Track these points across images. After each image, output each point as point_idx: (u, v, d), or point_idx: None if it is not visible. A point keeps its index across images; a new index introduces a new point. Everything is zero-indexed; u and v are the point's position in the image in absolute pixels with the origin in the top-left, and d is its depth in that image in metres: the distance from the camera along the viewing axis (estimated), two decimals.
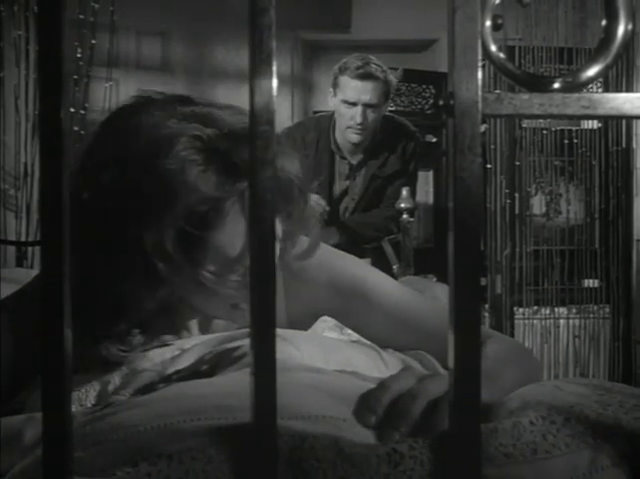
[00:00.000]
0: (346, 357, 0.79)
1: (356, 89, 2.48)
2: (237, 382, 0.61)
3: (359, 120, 2.49)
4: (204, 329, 0.90)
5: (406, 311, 0.92)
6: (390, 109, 2.78)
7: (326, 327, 0.93)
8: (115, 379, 0.73)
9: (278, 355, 0.35)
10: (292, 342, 0.76)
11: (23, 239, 2.92)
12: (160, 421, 0.53)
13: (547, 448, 0.50)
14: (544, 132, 3.03)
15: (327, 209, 2.54)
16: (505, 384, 0.74)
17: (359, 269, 0.95)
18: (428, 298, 1.00)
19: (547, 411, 0.55)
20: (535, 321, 3.04)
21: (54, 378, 0.34)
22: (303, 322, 0.89)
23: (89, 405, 0.70)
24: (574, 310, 3.08)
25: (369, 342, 0.88)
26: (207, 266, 0.78)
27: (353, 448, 0.50)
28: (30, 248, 2.84)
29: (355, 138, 2.55)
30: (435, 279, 2.40)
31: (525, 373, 0.82)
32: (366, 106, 2.49)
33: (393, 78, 2.56)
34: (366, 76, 2.47)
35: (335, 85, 2.55)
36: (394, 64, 2.74)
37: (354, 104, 2.49)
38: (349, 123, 2.52)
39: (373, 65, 2.48)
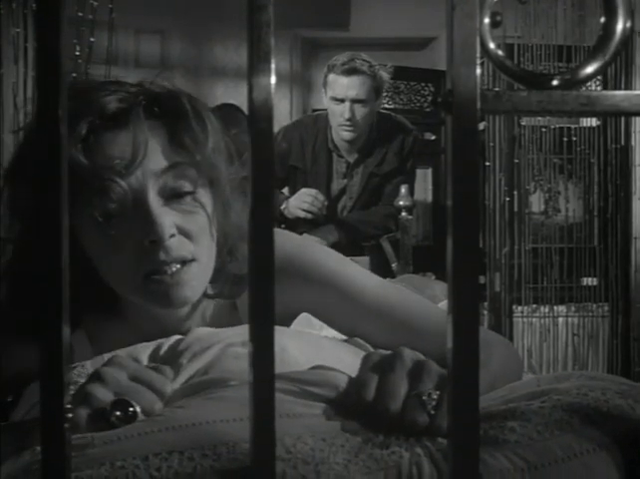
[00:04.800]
0: (332, 356, 0.78)
1: (342, 85, 2.49)
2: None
3: (347, 115, 2.49)
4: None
5: (386, 306, 0.90)
6: (389, 107, 2.79)
7: (325, 326, 0.93)
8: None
9: None
10: (281, 342, 0.75)
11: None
12: (174, 423, 0.54)
13: (522, 433, 0.51)
14: (543, 130, 3.03)
15: (326, 203, 2.54)
16: (494, 369, 0.74)
17: (332, 261, 0.92)
18: (409, 292, 0.98)
19: (528, 400, 0.56)
20: (534, 319, 3.04)
21: (52, 377, 0.34)
22: (282, 321, 0.88)
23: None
24: (573, 308, 3.08)
25: (361, 341, 0.88)
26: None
27: (354, 437, 0.52)
28: None
29: (346, 135, 2.55)
30: (434, 277, 2.40)
31: (508, 359, 0.83)
32: (353, 101, 2.49)
33: (384, 74, 2.56)
34: (351, 71, 2.48)
35: (325, 84, 2.57)
36: (393, 62, 2.74)
37: (342, 100, 2.50)
38: (339, 120, 2.53)
39: (358, 60, 2.49)
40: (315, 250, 0.93)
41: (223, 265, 0.85)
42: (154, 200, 0.76)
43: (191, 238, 0.79)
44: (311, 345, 0.79)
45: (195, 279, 0.79)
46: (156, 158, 0.77)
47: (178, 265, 0.78)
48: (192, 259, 0.79)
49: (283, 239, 0.90)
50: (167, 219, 0.76)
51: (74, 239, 0.79)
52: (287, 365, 0.71)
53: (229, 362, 0.71)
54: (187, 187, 0.79)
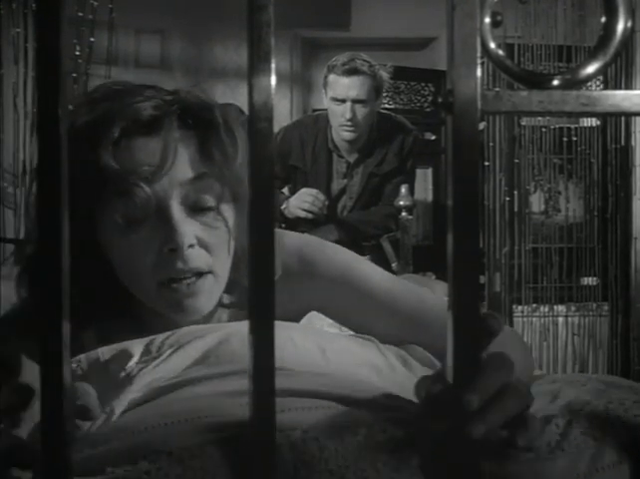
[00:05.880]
0: (342, 348, 0.78)
1: (343, 85, 2.49)
2: (236, 384, 0.60)
3: (348, 116, 2.49)
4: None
5: (395, 299, 0.90)
6: (389, 107, 2.79)
7: (325, 324, 0.92)
8: (104, 355, 0.73)
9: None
10: (287, 333, 0.75)
11: (22, 237, 2.91)
12: (160, 421, 0.53)
13: (549, 449, 0.50)
14: (543, 130, 3.03)
15: (326, 203, 2.54)
16: (519, 363, 0.74)
17: (344, 257, 0.92)
18: (418, 287, 0.98)
19: (549, 411, 0.55)
20: (534, 319, 3.04)
21: (52, 379, 0.34)
22: (290, 320, 0.88)
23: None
24: (573, 308, 3.08)
25: (367, 336, 0.88)
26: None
27: (354, 436, 0.50)
28: None
29: (347, 135, 2.55)
30: (434, 277, 2.40)
31: (524, 353, 0.83)
32: (354, 101, 2.49)
33: (383, 73, 2.56)
34: (352, 71, 2.47)
35: (325, 84, 2.57)
36: (393, 62, 2.74)
37: (343, 100, 2.50)
38: (340, 120, 2.52)
39: (358, 61, 2.48)
40: (324, 246, 0.93)
41: (241, 278, 0.85)
42: (176, 209, 0.77)
43: (210, 250, 0.80)
44: (318, 335, 0.80)
45: (210, 291, 0.80)
46: (183, 167, 0.78)
47: (194, 277, 0.78)
48: (209, 272, 0.80)
49: (292, 238, 0.91)
50: (189, 229, 0.77)
51: (95, 240, 0.79)
52: (296, 353, 0.71)
53: (235, 345, 0.71)
54: (210, 202, 0.79)
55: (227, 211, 0.82)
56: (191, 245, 0.77)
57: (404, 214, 2.47)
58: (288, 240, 0.90)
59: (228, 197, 0.82)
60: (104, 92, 0.81)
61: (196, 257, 0.78)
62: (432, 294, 0.97)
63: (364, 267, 0.93)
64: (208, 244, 0.79)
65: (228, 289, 0.85)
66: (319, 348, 0.75)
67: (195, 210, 0.79)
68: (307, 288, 0.88)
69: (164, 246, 0.77)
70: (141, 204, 0.76)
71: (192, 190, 0.78)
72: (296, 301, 0.86)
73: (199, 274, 0.79)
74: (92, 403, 0.55)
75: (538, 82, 0.38)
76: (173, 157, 0.76)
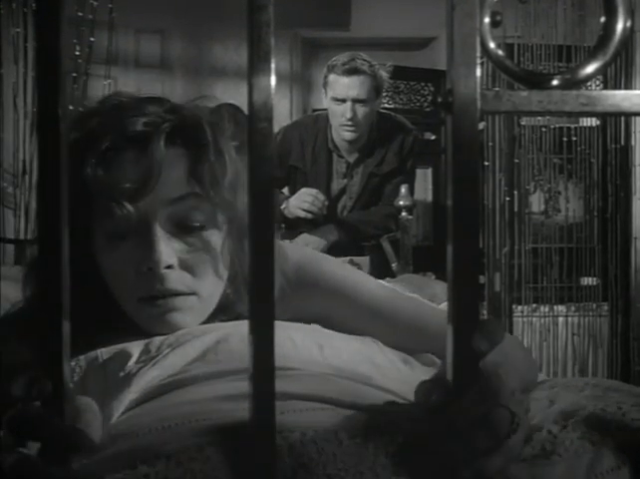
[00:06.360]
0: (341, 344, 0.78)
1: (343, 85, 2.49)
2: (235, 387, 0.60)
3: (349, 115, 2.49)
4: None
5: (394, 312, 0.90)
6: (389, 107, 2.79)
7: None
8: (103, 355, 0.72)
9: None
10: (286, 332, 0.75)
11: (22, 237, 2.91)
12: (158, 424, 0.53)
13: (545, 454, 0.50)
14: (543, 129, 3.03)
15: (326, 203, 2.54)
16: (520, 369, 0.74)
17: (343, 273, 0.93)
18: (415, 298, 0.98)
19: (545, 417, 0.55)
20: (534, 319, 3.04)
21: (52, 379, 0.34)
22: None
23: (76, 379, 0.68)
24: (573, 308, 3.08)
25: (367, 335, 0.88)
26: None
27: (352, 438, 0.50)
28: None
29: (348, 135, 2.55)
30: (434, 277, 2.40)
31: (526, 362, 0.83)
32: (355, 101, 2.49)
33: (383, 73, 2.56)
34: (352, 71, 2.48)
35: (325, 84, 2.57)
36: (393, 62, 2.75)
37: (343, 100, 2.50)
38: (340, 120, 2.52)
39: (359, 60, 2.49)
40: (324, 262, 0.94)
41: (237, 300, 0.84)
42: (158, 228, 0.76)
43: (194, 273, 0.79)
44: (317, 333, 0.80)
45: (192, 309, 0.79)
46: (169, 187, 0.77)
47: (173, 296, 0.77)
48: (190, 293, 0.79)
49: (293, 252, 0.91)
50: (168, 249, 0.76)
51: (93, 253, 0.79)
52: (294, 351, 0.71)
53: (234, 344, 0.71)
54: (197, 222, 0.78)
55: (215, 234, 0.81)
56: (170, 266, 0.77)
57: (404, 214, 2.47)
58: (289, 253, 0.89)
59: (218, 218, 0.81)
60: (104, 105, 0.81)
61: (175, 279, 0.77)
62: (429, 303, 0.98)
63: (363, 281, 0.93)
64: (192, 266, 0.78)
65: (222, 311, 0.84)
66: (317, 345, 0.75)
67: (181, 230, 0.78)
68: (307, 302, 0.88)
69: (142, 265, 0.76)
70: (121, 221, 0.75)
71: (178, 209, 0.77)
72: (296, 314, 0.86)
73: (178, 295, 0.78)
74: (94, 428, 0.50)
75: (538, 82, 0.38)
76: (158, 176, 0.75)
